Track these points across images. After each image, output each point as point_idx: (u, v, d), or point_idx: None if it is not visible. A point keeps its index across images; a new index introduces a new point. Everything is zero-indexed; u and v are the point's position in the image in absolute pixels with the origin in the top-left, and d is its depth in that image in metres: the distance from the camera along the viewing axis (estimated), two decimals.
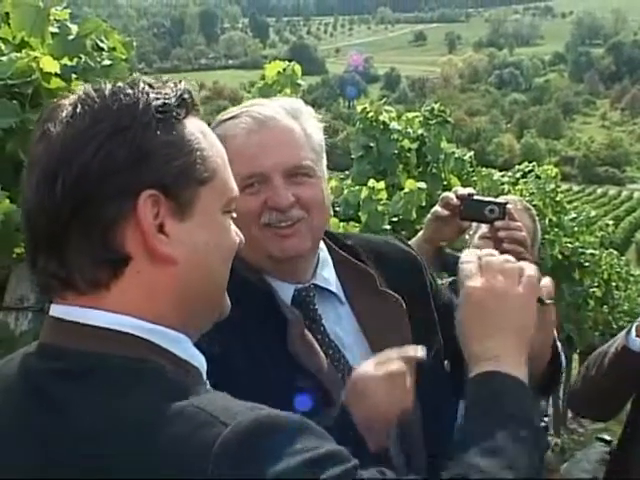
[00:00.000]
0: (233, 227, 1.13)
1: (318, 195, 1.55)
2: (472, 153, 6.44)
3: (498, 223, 2.04)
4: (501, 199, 2.15)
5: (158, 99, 1.04)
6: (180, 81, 1.10)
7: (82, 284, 1.00)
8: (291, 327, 1.49)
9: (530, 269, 1.33)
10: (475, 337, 1.27)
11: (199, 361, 1.09)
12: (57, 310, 1.03)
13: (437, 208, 2.14)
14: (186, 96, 1.08)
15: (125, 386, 0.95)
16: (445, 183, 5.35)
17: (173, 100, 1.06)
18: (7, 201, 1.86)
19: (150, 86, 1.06)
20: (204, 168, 1.05)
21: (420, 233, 2.29)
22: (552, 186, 8.54)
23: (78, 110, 1.01)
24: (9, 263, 2.00)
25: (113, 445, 0.90)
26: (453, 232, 2.19)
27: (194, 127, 1.07)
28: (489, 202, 2.05)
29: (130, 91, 1.03)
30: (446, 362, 1.71)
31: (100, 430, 0.92)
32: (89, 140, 0.98)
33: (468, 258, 1.34)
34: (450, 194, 2.10)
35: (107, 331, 0.99)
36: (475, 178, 6.42)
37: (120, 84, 1.05)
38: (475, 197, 2.05)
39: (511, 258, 1.35)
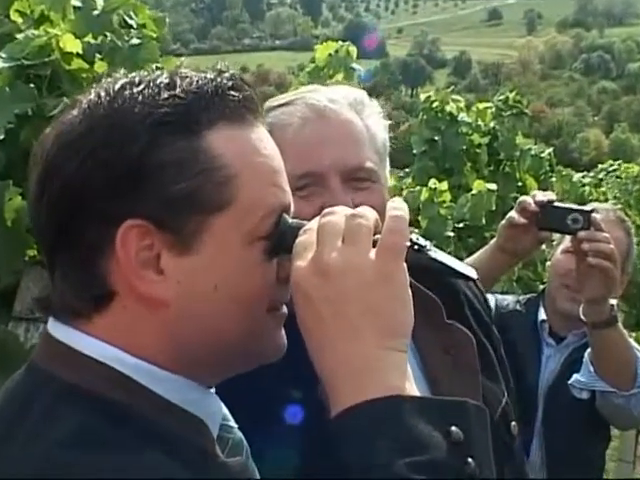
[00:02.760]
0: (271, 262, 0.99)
1: (381, 204, 1.45)
2: (552, 150, 6.36)
3: (582, 234, 1.99)
4: (588, 207, 2.10)
5: (164, 105, 0.94)
6: (220, 72, 1.00)
7: (64, 309, 0.98)
8: None
9: (392, 216, 0.97)
10: (316, 347, 0.94)
11: (206, 411, 1.01)
12: (49, 323, 1.01)
13: (512, 214, 2.11)
14: (216, 98, 0.97)
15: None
16: (519, 184, 5.30)
17: (192, 105, 0.96)
18: (19, 198, 1.87)
19: (169, 83, 0.97)
20: (220, 192, 0.95)
21: (492, 241, 2.26)
22: (637, 187, 8.40)
23: (81, 112, 0.97)
24: (21, 267, 2.01)
25: None
26: (530, 242, 2.14)
27: (220, 139, 0.96)
28: (572, 210, 2.01)
29: (136, 90, 0.96)
30: (513, 424, 1.62)
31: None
32: (75, 153, 0.94)
33: (309, 226, 1.00)
34: (528, 198, 2.06)
35: (87, 359, 0.95)
36: (554, 179, 6.34)
37: (135, 78, 0.99)
38: (556, 204, 2.01)
39: (364, 210, 1.00)
